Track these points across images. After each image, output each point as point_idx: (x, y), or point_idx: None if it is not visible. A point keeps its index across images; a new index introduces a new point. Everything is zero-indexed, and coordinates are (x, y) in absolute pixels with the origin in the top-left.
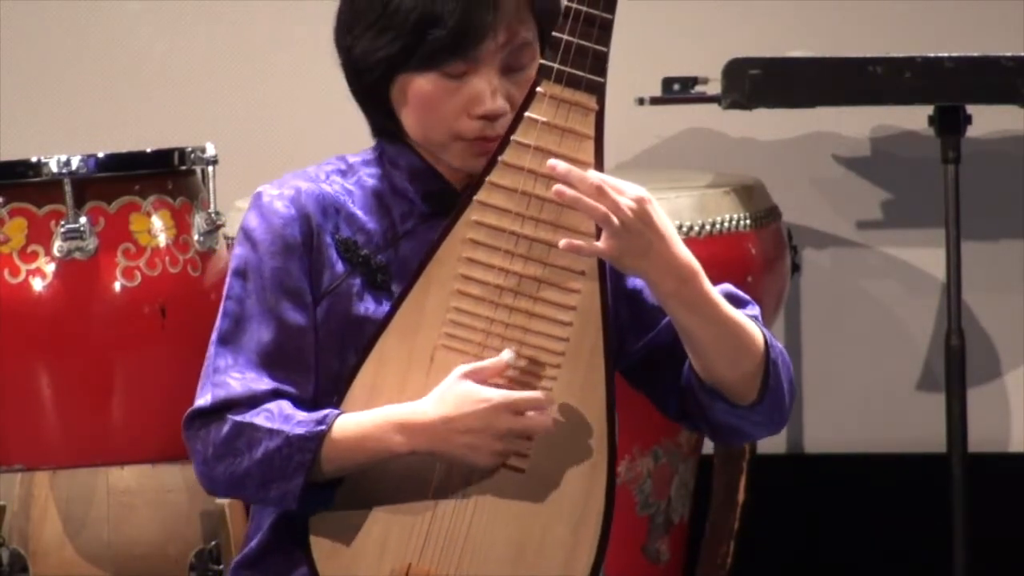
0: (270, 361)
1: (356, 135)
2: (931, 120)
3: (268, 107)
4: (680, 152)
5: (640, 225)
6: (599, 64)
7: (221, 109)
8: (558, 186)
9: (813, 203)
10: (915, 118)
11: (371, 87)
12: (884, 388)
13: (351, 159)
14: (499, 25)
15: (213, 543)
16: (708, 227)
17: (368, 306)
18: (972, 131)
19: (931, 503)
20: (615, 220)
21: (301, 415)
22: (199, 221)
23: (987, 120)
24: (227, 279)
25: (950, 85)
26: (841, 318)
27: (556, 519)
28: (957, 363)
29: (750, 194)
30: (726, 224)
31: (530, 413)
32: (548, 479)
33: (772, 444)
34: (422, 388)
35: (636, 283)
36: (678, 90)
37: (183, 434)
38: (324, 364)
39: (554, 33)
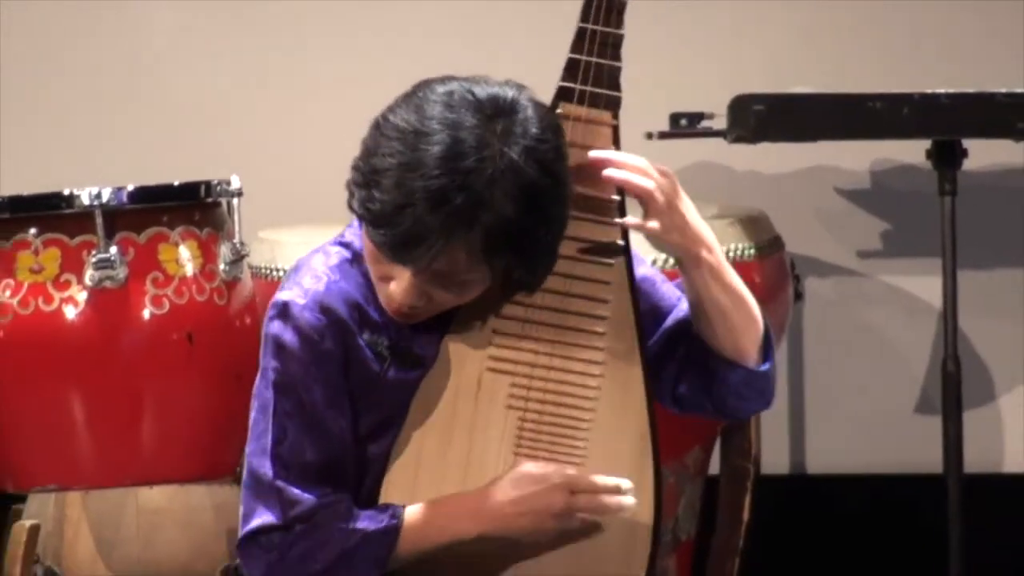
0: (320, 476)
1: None
2: (928, 154)
3: (291, 141)
4: (687, 184)
5: (675, 199)
6: (614, 79)
7: (245, 143)
8: (608, 171)
9: (815, 234)
10: (913, 152)
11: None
12: (883, 411)
13: (355, 244)
14: (429, 265)
15: (239, 560)
16: None
17: (405, 382)
18: (968, 164)
19: (928, 521)
20: (660, 197)
21: (368, 512)
22: (224, 251)
23: (983, 154)
24: (267, 391)
25: (947, 120)
26: (842, 344)
27: (612, 520)
28: (953, 388)
29: (754, 225)
30: (731, 253)
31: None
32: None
33: (776, 465)
34: (471, 415)
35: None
36: (685, 125)
37: (242, 551)
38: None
39: (570, 55)
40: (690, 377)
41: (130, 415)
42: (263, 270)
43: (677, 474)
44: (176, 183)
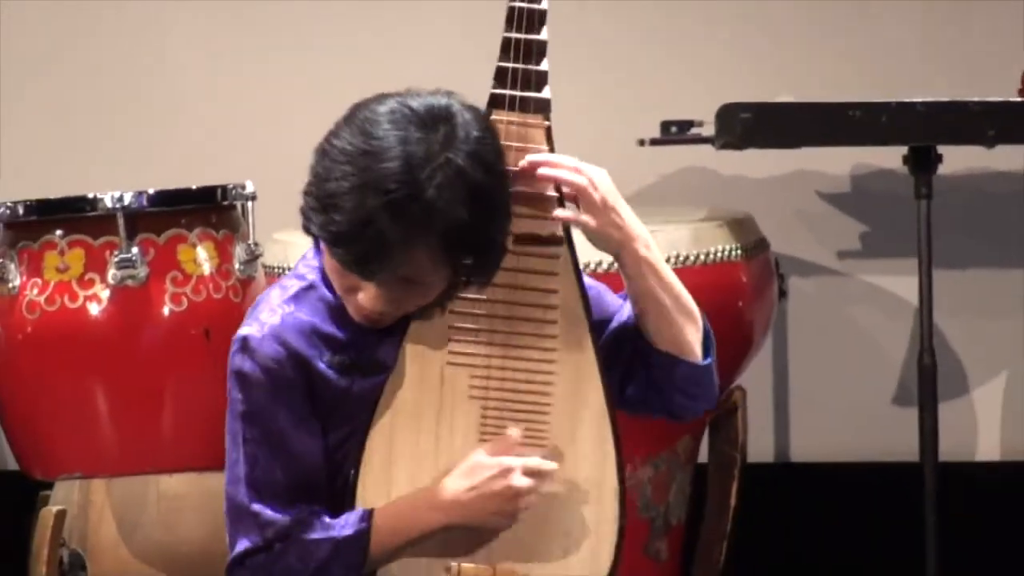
0: (292, 495)
1: None
2: (905, 159)
3: (303, 146)
4: (677, 189)
5: (612, 198)
6: (541, 83)
7: (258, 148)
8: (542, 170)
9: (798, 235)
10: (891, 157)
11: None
12: (863, 403)
13: (309, 275)
14: (394, 274)
15: None
16: (702, 257)
17: (371, 389)
18: (943, 169)
19: (905, 506)
20: (594, 193)
21: (340, 520)
22: (239, 251)
23: (956, 159)
24: (236, 423)
25: (922, 127)
26: (824, 340)
27: (576, 499)
28: (929, 380)
29: (741, 227)
30: (719, 254)
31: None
32: (564, 464)
33: (761, 454)
34: (437, 407)
35: None
36: (675, 132)
37: (228, 574)
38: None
39: (498, 63)
40: (637, 378)
41: (151, 406)
42: (276, 269)
43: (668, 462)
44: (194, 187)
